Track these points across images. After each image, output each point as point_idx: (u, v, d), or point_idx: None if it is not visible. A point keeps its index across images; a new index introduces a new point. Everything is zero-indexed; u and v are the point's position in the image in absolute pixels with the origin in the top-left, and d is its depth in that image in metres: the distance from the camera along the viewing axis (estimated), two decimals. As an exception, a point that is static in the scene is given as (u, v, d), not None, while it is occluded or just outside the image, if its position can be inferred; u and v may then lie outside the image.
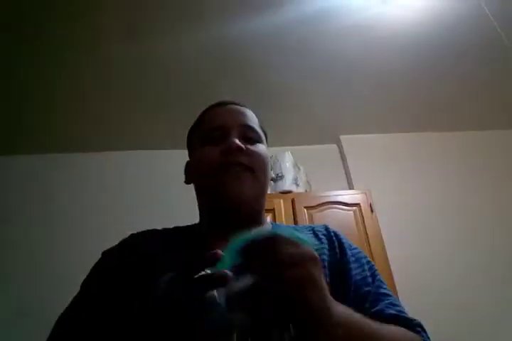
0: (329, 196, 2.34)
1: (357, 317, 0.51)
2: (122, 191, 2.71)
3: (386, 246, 2.18)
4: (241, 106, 0.83)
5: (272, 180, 2.38)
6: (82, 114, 2.48)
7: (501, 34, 2.04)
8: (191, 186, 0.80)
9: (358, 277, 0.69)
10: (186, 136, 0.85)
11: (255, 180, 0.72)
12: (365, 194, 2.36)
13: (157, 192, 2.69)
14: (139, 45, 1.98)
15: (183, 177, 0.83)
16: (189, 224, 0.80)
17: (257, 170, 0.72)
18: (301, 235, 0.49)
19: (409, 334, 0.61)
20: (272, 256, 0.44)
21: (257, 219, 0.75)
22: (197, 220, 0.80)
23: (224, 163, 0.70)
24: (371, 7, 1.94)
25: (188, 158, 0.84)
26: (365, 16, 1.99)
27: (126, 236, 0.74)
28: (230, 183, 0.69)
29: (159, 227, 0.79)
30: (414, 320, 0.65)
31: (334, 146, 3.05)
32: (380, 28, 2.08)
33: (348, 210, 2.29)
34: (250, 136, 0.76)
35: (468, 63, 2.37)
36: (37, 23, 1.85)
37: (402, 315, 0.65)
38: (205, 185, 0.75)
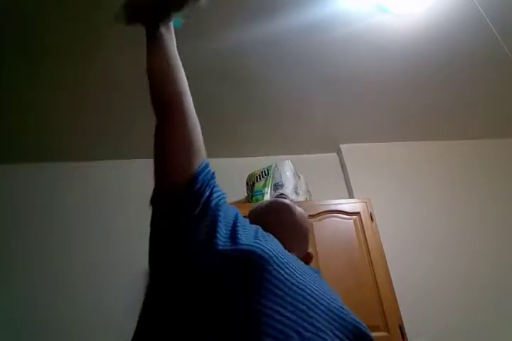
0: (329, 205, 2.34)
1: None
2: (126, 200, 2.71)
3: (386, 255, 2.18)
4: None
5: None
6: (83, 124, 2.50)
7: (502, 44, 2.05)
8: None
9: None
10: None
11: None
12: (366, 203, 2.36)
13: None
14: (139, 56, 2.00)
15: None
16: None
17: None
18: None
19: None
20: None
21: None
22: None
23: None
24: (370, 16, 1.96)
25: None
26: (365, 25, 2.01)
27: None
28: None
29: None
30: None
31: (334, 155, 3.05)
32: (379, 37, 2.09)
33: (348, 219, 2.29)
34: None
35: (469, 72, 2.37)
36: (36, 34, 1.87)
37: None
38: None
